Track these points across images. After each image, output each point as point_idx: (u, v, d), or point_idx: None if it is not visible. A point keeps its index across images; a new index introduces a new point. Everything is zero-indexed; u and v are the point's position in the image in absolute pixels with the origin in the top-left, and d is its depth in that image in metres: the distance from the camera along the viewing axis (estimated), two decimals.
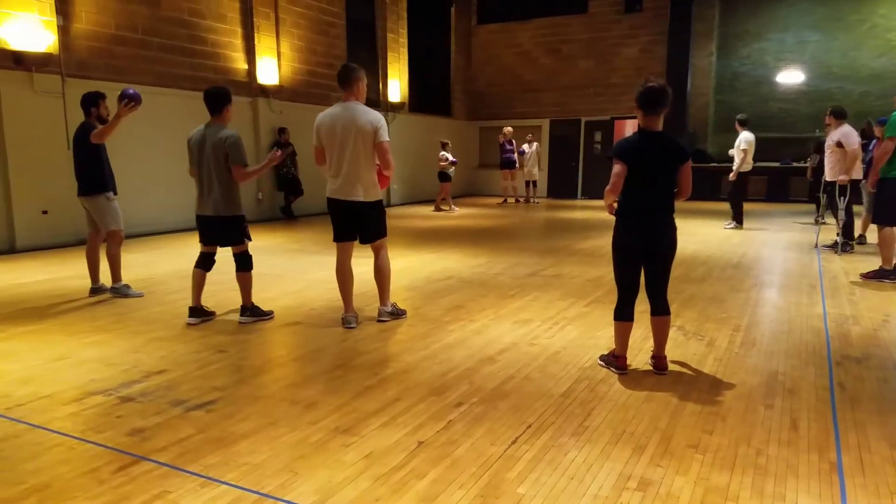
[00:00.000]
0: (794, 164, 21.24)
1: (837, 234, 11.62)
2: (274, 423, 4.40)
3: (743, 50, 23.94)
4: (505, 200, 23.43)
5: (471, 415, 4.52)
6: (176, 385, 5.14)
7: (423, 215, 19.23)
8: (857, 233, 12.46)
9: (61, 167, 11.32)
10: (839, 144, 11.29)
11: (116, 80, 12.96)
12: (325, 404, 4.72)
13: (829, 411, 4.57)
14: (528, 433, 4.21)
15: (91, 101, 8.16)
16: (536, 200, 23.46)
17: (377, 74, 21.71)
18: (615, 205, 5.32)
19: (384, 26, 21.78)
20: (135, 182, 12.73)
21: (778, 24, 23.31)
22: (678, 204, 5.29)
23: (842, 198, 11.40)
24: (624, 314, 5.40)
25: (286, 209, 17.56)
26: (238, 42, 16.40)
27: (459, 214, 19.36)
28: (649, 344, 5.75)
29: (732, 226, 15.12)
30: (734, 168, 14.88)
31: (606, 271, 9.05)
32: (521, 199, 23.46)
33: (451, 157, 19.94)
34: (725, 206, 20.27)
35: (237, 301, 7.20)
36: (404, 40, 22.84)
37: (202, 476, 3.65)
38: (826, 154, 11.91)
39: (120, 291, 8.29)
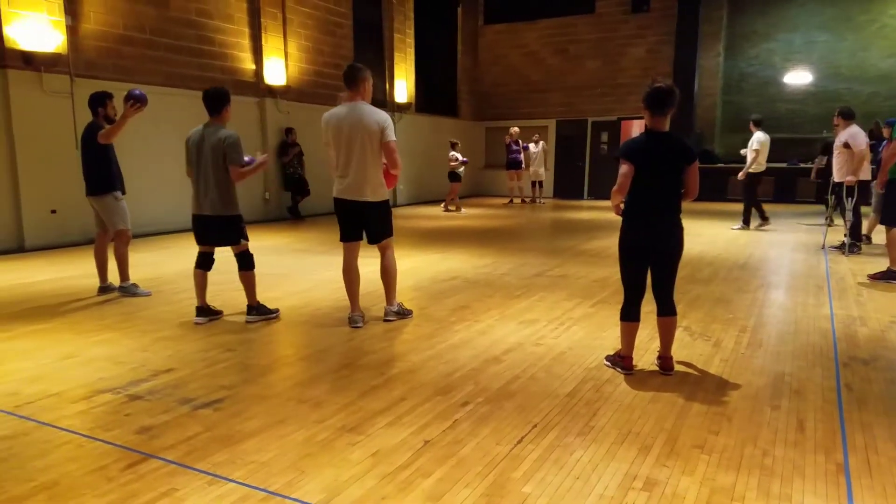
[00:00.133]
0: (802, 165, 21.18)
1: (845, 235, 11.60)
2: (281, 421, 4.41)
3: (751, 50, 23.89)
4: (511, 201, 23.42)
5: (476, 414, 4.53)
6: (183, 383, 5.16)
7: (430, 215, 19.23)
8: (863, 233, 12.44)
9: (70, 167, 11.36)
10: (846, 145, 11.28)
11: (124, 81, 12.99)
12: (332, 403, 4.74)
13: (835, 412, 4.57)
14: (533, 433, 4.22)
15: (98, 101, 8.19)
16: (542, 201, 23.44)
17: (384, 75, 21.72)
18: (622, 205, 5.33)
19: (391, 26, 21.79)
20: (143, 182, 12.76)
21: (786, 25, 23.25)
22: (685, 204, 5.29)
23: (849, 199, 11.39)
24: (630, 314, 5.40)
25: (293, 209, 17.57)
26: (245, 42, 16.43)
27: (465, 215, 19.35)
28: (655, 344, 5.76)
29: (744, 227, 15.03)
30: (745, 168, 14.77)
31: (612, 272, 9.05)
32: (528, 200, 23.45)
33: (460, 157, 19.91)
34: (731, 206, 20.29)
35: (243, 300, 7.22)
36: (411, 40, 22.84)
37: (210, 474, 3.67)
38: (834, 155, 11.90)
39: (128, 290, 8.32)
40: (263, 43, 16.71)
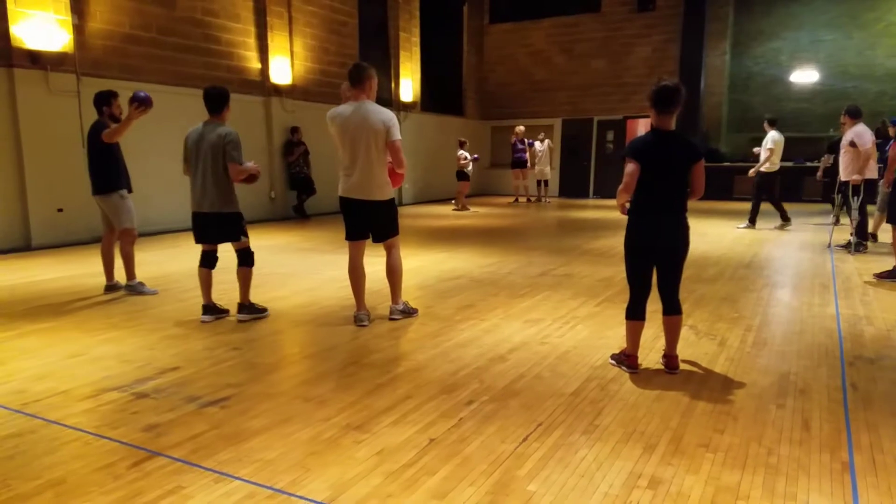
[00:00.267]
0: (808, 164, 21.15)
1: (851, 234, 11.58)
2: (287, 419, 4.42)
3: (757, 49, 23.84)
4: (516, 200, 23.40)
5: (481, 413, 4.54)
6: (190, 382, 5.17)
7: (435, 214, 19.23)
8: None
9: (76, 166, 11.40)
10: (852, 144, 11.27)
11: (131, 80, 13.05)
12: (337, 401, 4.75)
13: (841, 411, 4.56)
14: (538, 431, 4.22)
15: (103, 100, 8.21)
16: (548, 200, 23.43)
17: (389, 74, 21.73)
18: (627, 204, 5.33)
19: (396, 25, 21.79)
20: (149, 181, 12.78)
21: (792, 23, 23.19)
22: (690, 203, 5.29)
23: (855, 197, 11.37)
24: (635, 313, 5.41)
25: (299, 208, 17.58)
26: (251, 41, 16.45)
27: (471, 214, 19.34)
28: (661, 343, 5.76)
29: (750, 225, 14.98)
30: (756, 166, 14.71)
31: (618, 270, 9.05)
32: (533, 199, 23.43)
33: (469, 155, 19.91)
34: (737, 205, 20.29)
35: (252, 299, 7.23)
36: (416, 39, 22.85)
37: (216, 472, 3.68)
38: (840, 154, 11.89)
39: (134, 289, 8.34)
40: (269, 42, 16.74)
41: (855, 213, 11.47)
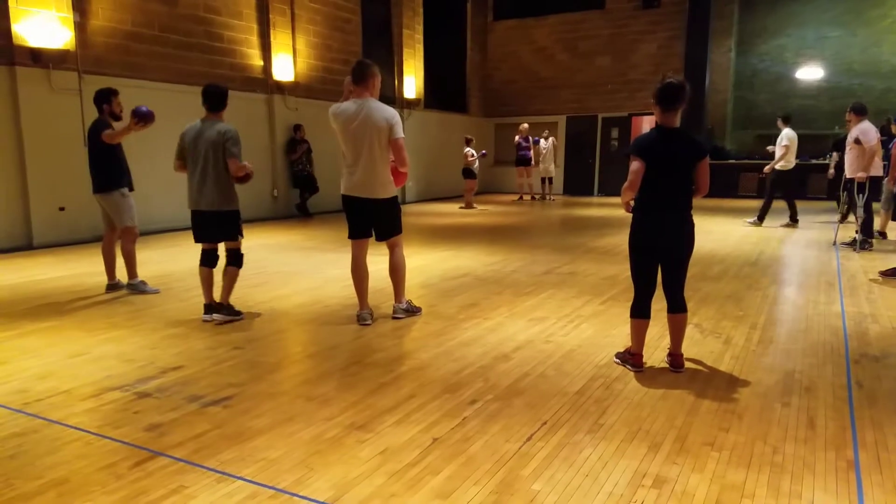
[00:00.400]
0: (814, 162, 21.12)
1: (856, 232, 11.55)
2: (289, 419, 4.41)
3: (762, 46, 23.79)
4: (520, 198, 23.38)
5: (485, 412, 4.52)
6: (192, 381, 5.16)
7: (439, 213, 19.22)
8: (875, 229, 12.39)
9: (78, 164, 11.38)
10: (857, 141, 11.25)
11: (133, 77, 13.06)
12: (341, 401, 4.73)
13: (846, 409, 4.54)
14: (542, 430, 4.20)
15: (103, 98, 8.18)
16: (552, 198, 23.41)
17: (393, 71, 21.71)
18: (632, 202, 5.30)
19: (400, 22, 21.77)
20: (152, 179, 12.77)
21: (797, 20, 23.14)
22: (695, 201, 5.27)
23: (860, 195, 11.34)
24: (640, 311, 5.39)
25: (301, 206, 17.58)
26: (254, 39, 16.44)
27: (476, 212, 19.32)
28: (665, 342, 5.74)
29: (757, 222, 14.92)
30: (771, 164, 14.66)
31: (622, 269, 9.03)
32: (537, 196, 23.42)
33: (475, 152, 19.88)
34: (743, 203, 20.28)
35: (252, 298, 7.24)
36: (420, 36, 22.83)
37: (218, 471, 3.67)
38: (846, 151, 11.87)
39: (136, 288, 8.33)
40: (272, 39, 16.73)
41: (860, 211, 11.45)
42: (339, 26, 19.07)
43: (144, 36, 13.65)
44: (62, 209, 12.15)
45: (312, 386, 5.07)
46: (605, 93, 25.00)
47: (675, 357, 5.41)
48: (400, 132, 6.52)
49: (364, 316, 6.85)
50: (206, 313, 7.02)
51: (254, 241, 12.56)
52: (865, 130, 11.23)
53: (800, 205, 14.93)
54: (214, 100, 6.84)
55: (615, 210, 18.83)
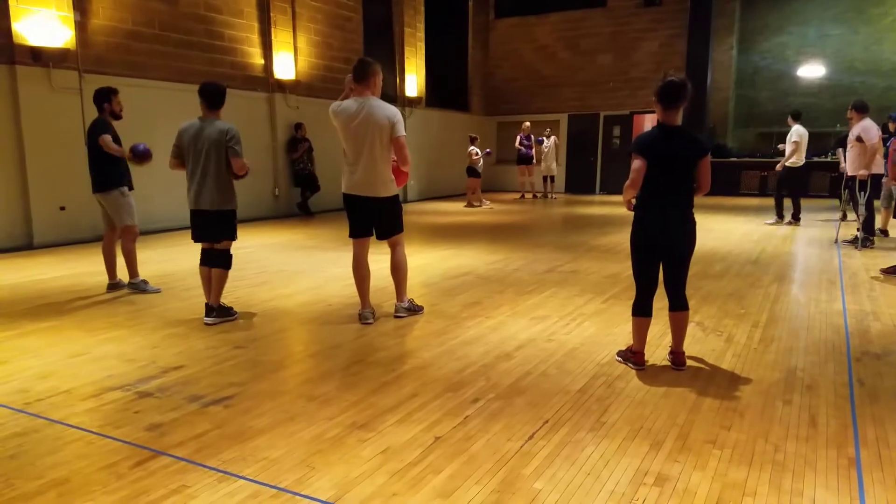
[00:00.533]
0: (815, 159, 21.10)
1: (858, 230, 11.54)
2: (291, 418, 4.41)
3: (764, 44, 23.78)
4: (522, 196, 23.37)
5: (487, 411, 4.52)
6: (193, 381, 5.15)
7: (441, 211, 19.21)
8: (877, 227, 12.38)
9: (79, 163, 11.35)
10: (859, 139, 11.24)
11: (134, 76, 13.06)
12: (342, 400, 4.73)
13: (847, 407, 4.54)
14: (544, 429, 4.20)
15: (103, 97, 8.16)
16: (554, 196, 23.37)
17: (394, 69, 21.70)
18: (633, 200, 5.30)
19: (401, 21, 21.76)
20: (153, 178, 12.72)
21: (799, 18, 23.12)
22: (697, 199, 5.27)
23: (862, 193, 11.33)
24: (642, 310, 5.38)
25: (303, 205, 17.56)
26: (255, 37, 16.43)
27: (478, 210, 19.32)
28: (667, 340, 5.74)
29: (778, 221, 14.86)
30: (782, 161, 14.61)
31: (624, 267, 9.02)
32: (539, 195, 23.41)
33: (480, 151, 19.89)
34: (744, 201, 20.26)
35: (254, 297, 7.22)
36: (421, 34, 22.81)
37: (220, 471, 3.66)
38: (847, 149, 11.87)
39: (138, 287, 8.32)
40: (273, 37, 16.72)
41: (862, 209, 11.44)
42: (341, 24, 19.07)
43: (145, 35, 13.65)
44: (63, 209, 12.14)
45: (314, 385, 5.07)
46: (607, 91, 25.00)
47: (677, 355, 5.40)
48: (402, 130, 6.51)
49: (366, 315, 6.84)
50: (206, 313, 7.00)
51: (255, 241, 12.57)
52: (867, 128, 11.22)
53: (802, 203, 14.88)
54: (213, 98, 6.77)
55: (617, 208, 18.82)
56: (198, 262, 7.10)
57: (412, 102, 22.28)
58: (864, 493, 3.41)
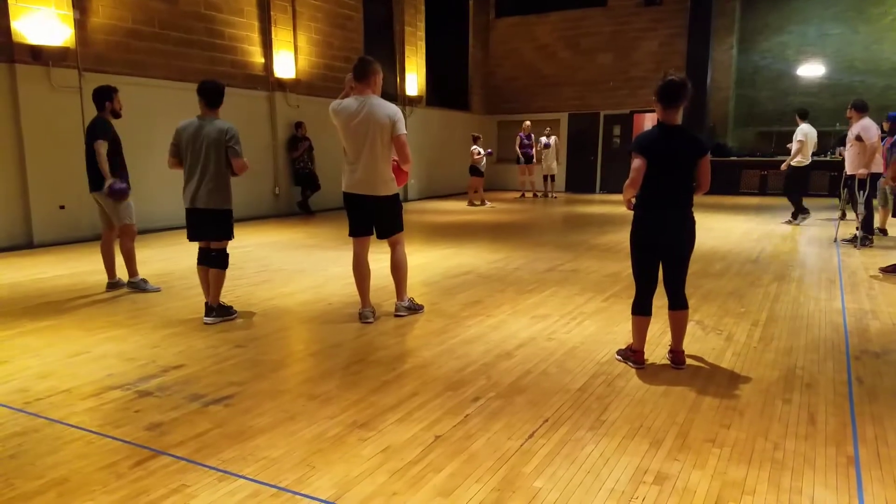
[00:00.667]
0: (815, 159, 21.07)
1: (857, 229, 11.54)
2: (291, 417, 4.41)
3: (764, 43, 23.78)
4: (522, 195, 23.37)
5: (488, 409, 4.52)
6: (193, 380, 5.16)
7: (441, 210, 19.21)
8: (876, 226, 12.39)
9: (78, 162, 11.26)
10: (858, 138, 11.25)
11: (134, 75, 13.05)
12: (343, 399, 4.73)
13: (846, 405, 4.55)
14: (544, 427, 4.20)
15: (105, 95, 8.13)
16: (555, 195, 23.37)
17: (394, 68, 21.70)
18: (633, 199, 5.30)
19: (402, 20, 21.76)
20: (153, 177, 12.74)
21: (799, 17, 23.12)
22: (697, 198, 5.27)
23: (861, 192, 11.34)
24: (642, 308, 5.39)
25: (303, 204, 17.56)
26: (255, 36, 16.43)
27: (479, 209, 19.32)
28: (667, 338, 5.74)
29: (790, 220, 14.83)
30: (787, 160, 14.58)
31: (625, 266, 9.02)
32: (539, 194, 23.40)
33: (482, 150, 19.92)
34: (744, 200, 20.25)
35: (254, 296, 7.22)
36: (422, 34, 22.82)
37: (220, 470, 3.67)
38: (846, 148, 11.87)
39: (137, 286, 8.32)
40: (273, 36, 16.72)
41: (861, 208, 11.44)
42: (341, 23, 19.06)
43: (145, 33, 13.64)
44: (62, 207, 12.13)
45: (314, 384, 5.07)
46: (607, 90, 25.01)
47: (677, 354, 5.41)
48: (403, 129, 6.51)
49: (366, 314, 6.84)
50: (206, 313, 7.00)
51: (255, 240, 12.57)
52: (867, 127, 11.22)
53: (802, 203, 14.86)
54: (211, 96, 6.74)
55: (617, 207, 18.82)
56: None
57: (412, 101, 22.27)
58: (863, 490, 3.42)
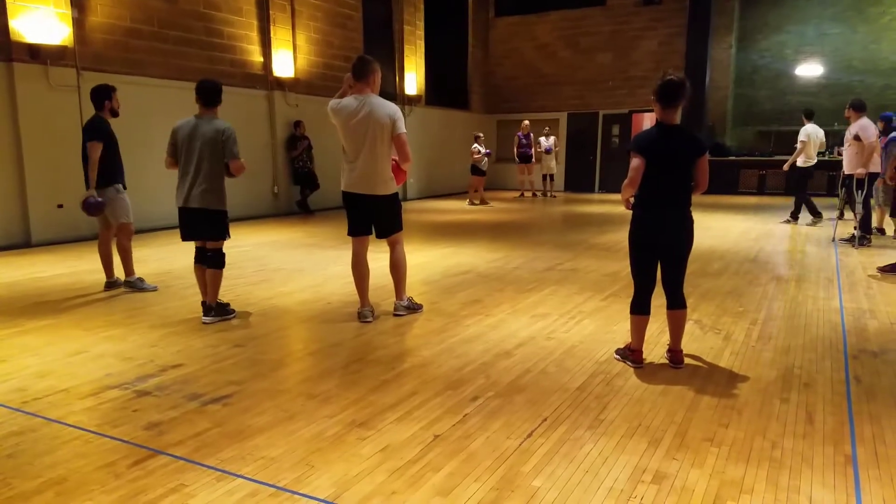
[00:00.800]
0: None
1: (855, 228, 11.55)
2: (290, 417, 4.41)
3: (762, 42, 23.79)
4: (522, 194, 23.38)
5: (487, 409, 4.52)
6: (192, 379, 5.15)
7: (441, 209, 19.21)
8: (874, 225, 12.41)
9: (77, 161, 11.25)
10: (857, 138, 11.25)
11: (132, 74, 13.06)
12: (342, 398, 4.73)
13: (844, 404, 4.55)
14: (543, 427, 4.20)
15: (105, 94, 8.12)
16: (554, 194, 23.37)
17: (394, 67, 21.69)
18: (632, 199, 5.31)
19: (401, 19, 21.75)
20: (151, 176, 12.73)
21: (798, 17, 23.13)
22: (695, 198, 5.28)
23: (859, 191, 11.35)
24: (640, 308, 5.39)
25: (302, 203, 17.55)
26: (254, 35, 16.42)
27: (478, 208, 19.32)
28: (665, 338, 5.75)
29: (788, 220, 14.82)
30: (789, 160, 14.56)
31: (624, 265, 9.02)
32: (538, 193, 23.40)
33: (482, 149, 19.93)
34: (742, 199, 20.26)
35: (253, 295, 7.21)
36: (421, 32, 22.81)
37: (218, 470, 3.66)
38: (844, 147, 11.88)
39: (134, 285, 8.31)
40: (272, 35, 16.71)
41: (859, 207, 11.45)
42: (340, 23, 19.06)
43: (143, 32, 13.63)
44: (60, 206, 12.11)
45: (313, 384, 5.07)
46: (606, 89, 25.03)
47: (675, 353, 5.41)
48: (403, 127, 6.51)
49: (365, 313, 6.84)
50: (204, 312, 6.99)
51: (254, 239, 12.57)
52: (865, 127, 11.24)
53: (802, 203, 14.84)
54: (208, 95, 6.73)
55: (616, 207, 18.81)
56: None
57: (412, 100, 22.26)
58: (861, 489, 3.42)
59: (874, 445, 3.91)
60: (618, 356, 5.57)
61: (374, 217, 6.74)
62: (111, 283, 8.41)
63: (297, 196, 17.61)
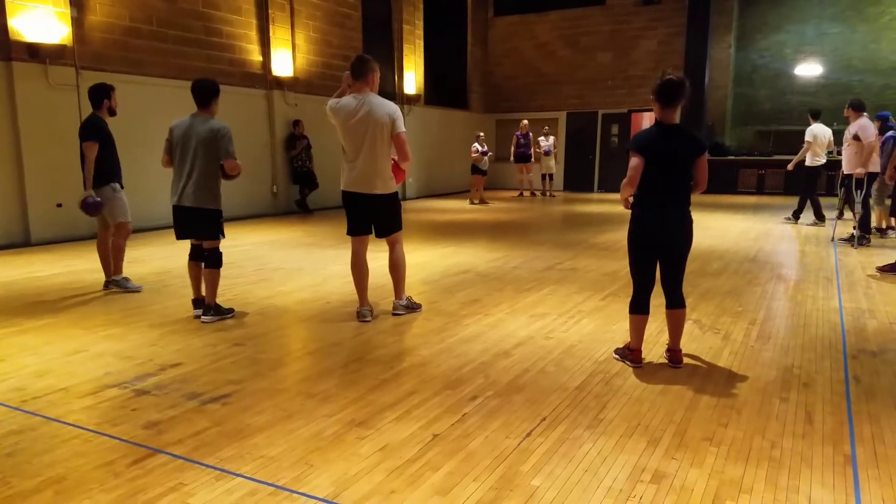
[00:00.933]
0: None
1: (854, 228, 11.55)
2: (290, 416, 4.41)
3: (762, 42, 23.79)
4: (521, 194, 23.37)
5: (486, 408, 4.52)
6: (191, 378, 5.15)
7: (440, 209, 19.19)
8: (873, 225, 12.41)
9: (76, 160, 11.26)
10: (856, 137, 11.26)
11: (131, 73, 13.05)
12: (341, 398, 4.73)
13: (844, 404, 4.55)
14: (542, 426, 4.20)
15: (104, 93, 8.11)
16: (553, 194, 23.37)
17: (393, 66, 21.68)
18: (631, 198, 5.31)
19: (400, 18, 21.74)
20: (150, 175, 12.71)
21: (797, 16, 23.13)
22: (694, 197, 5.27)
23: (858, 191, 11.35)
24: (639, 307, 5.39)
25: (301, 202, 17.55)
26: (253, 34, 16.41)
27: (477, 208, 19.33)
28: (664, 337, 5.75)
29: (788, 218, 14.82)
30: (794, 160, 14.54)
31: (623, 265, 9.02)
32: (538, 193, 23.39)
33: (481, 149, 19.94)
34: (742, 199, 20.26)
35: (253, 294, 7.20)
36: (420, 32, 22.80)
37: (217, 469, 3.66)
38: (844, 147, 11.88)
39: (119, 284, 8.27)
40: (271, 35, 16.70)
41: (858, 207, 11.45)
42: (340, 22, 19.05)
43: (143, 31, 13.62)
44: (59, 206, 12.09)
45: (313, 383, 5.07)
46: (606, 89, 25.03)
47: (674, 353, 5.41)
48: (402, 127, 6.50)
49: (364, 313, 6.84)
50: (196, 308, 6.99)
51: (253, 238, 12.55)
52: (864, 126, 11.24)
53: (803, 204, 14.82)
54: (203, 94, 6.74)
55: (615, 206, 18.79)
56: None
57: (411, 100, 22.25)
58: (860, 489, 3.42)
59: (873, 445, 3.91)
60: (617, 356, 5.57)
61: (373, 216, 6.74)
62: (110, 282, 8.40)
63: (297, 195, 17.61)
